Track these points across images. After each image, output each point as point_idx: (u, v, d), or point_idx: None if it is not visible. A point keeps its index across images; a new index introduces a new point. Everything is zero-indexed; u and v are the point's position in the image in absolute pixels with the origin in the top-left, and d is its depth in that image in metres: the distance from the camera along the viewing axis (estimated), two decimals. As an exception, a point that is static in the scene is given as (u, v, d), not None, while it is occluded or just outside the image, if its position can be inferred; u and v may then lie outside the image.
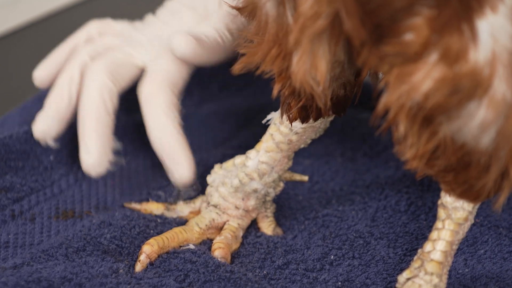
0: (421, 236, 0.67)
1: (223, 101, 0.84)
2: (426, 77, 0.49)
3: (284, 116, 0.63)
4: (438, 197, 0.62)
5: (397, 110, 0.52)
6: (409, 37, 0.49)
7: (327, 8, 0.49)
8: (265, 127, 0.66)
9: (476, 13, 0.48)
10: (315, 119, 0.63)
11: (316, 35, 0.51)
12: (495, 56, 0.49)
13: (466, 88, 0.49)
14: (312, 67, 0.53)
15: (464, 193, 0.58)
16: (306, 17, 0.50)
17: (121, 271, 0.61)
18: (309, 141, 0.65)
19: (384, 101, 0.52)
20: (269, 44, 0.55)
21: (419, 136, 0.53)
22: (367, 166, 0.75)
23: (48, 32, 0.96)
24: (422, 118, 0.52)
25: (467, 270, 0.64)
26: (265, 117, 0.81)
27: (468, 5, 0.48)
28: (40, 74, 0.74)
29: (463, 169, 0.56)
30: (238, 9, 0.58)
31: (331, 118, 0.64)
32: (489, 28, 0.49)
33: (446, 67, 0.49)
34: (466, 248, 0.66)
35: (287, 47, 0.54)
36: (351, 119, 0.78)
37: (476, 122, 0.51)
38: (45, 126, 0.70)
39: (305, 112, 0.62)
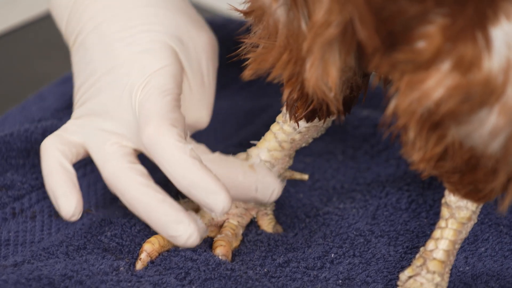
0: (422, 234, 0.67)
1: (224, 100, 0.84)
2: (438, 84, 0.49)
3: (290, 118, 0.63)
4: (439, 194, 0.62)
5: (408, 116, 0.52)
6: (421, 44, 0.49)
7: (338, 16, 0.49)
8: (266, 125, 0.66)
9: (491, 21, 0.48)
10: (322, 119, 0.63)
11: (327, 43, 0.51)
12: (510, 64, 0.49)
13: (479, 95, 0.49)
14: (324, 73, 0.53)
15: (469, 194, 0.59)
16: (318, 25, 0.50)
17: (121, 269, 0.61)
18: (310, 140, 0.66)
19: (393, 107, 0.52)
20: (279, 50, 0.55)
21: (427, 139, 0.53)
22: (368, 164, 0.75)
23: (48, 31, 0.96)
24: (431, 123, 0.52)
25: (467, 268, 0.64)
26: (265, 116, 0.81)
27: (482, 13, 0.48)
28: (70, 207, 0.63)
29: (469, 171, 0.56)
30: (244, 13, 0.58)
31: (333, 117, 0.64)
32: (504, 36, 0.48)
33: (459, 75, 0.49)
34: (466, 246, 0.66)
35: (298, 52, 0.54)
36: (352, 117, 0.78)
37: (487, 128, 0.51)
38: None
39: (313, 113, 0.62)
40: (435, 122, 0.52)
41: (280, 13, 0.54)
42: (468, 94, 0.49)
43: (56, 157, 0.62)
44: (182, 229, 0.60)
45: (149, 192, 0.61)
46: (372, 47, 0.50)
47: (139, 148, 0.63)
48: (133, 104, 0.63)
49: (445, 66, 0.49)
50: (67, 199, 0.62)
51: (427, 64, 0.49)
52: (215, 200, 0.59)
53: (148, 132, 0.60)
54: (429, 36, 0.49)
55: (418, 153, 0.55)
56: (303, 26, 0.53)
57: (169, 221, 0.60)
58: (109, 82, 0.64)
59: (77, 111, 0.66)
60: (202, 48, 0.68)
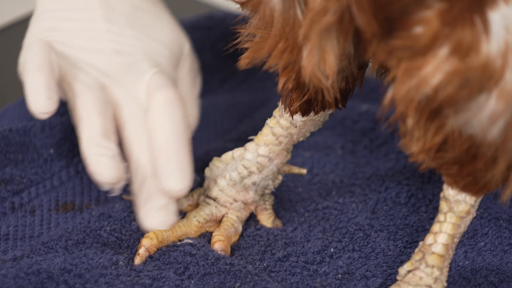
0: (422, 228, 0.67)
1: (223, 94, 0.84)
2: (436, 70, 0.49)
3: (285, 109, 0.63)
4: (439, 189, 0.62)
5: (406, 104, 0.51)
6: (419, 30, 0.49)
7: (335, 3, 0.49)
8: (265, 119, 0.66)
9: (489, 5, 0.48)
10: (317, 113, 0.63)
11: (324, 30, 0.51)
12: (508, 47, 0.49)
13: (477, 80, 0.49)
14: (321, 61, 0.53)
15: (467, 186, 0.58)
16: (315, 12, 0.50)
17: (121, 263, 0.61)
18: (308, 134, 0.65)
19: (391, 95, 0.52)
20: (275, 38, 0.55)
21: (426, 130, 0.53)
22: (367, 159, 0.75)
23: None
24: (429, 111, 0.52)
25: (467, 262, 0.64)
26: (265, 110, 0.81)
27: None
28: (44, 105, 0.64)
29: (468, 162, 0.56)
30: (240, 3, 0.58)
31: (330, 111, 0.64)
32: (502, 20, 0.48)
33: (457, 60, 0.49)
34: (466, 240, 0.66)
35: (294, 41, 0.54)
36: (351, 112, 0.78)
37: (486, 114, 0.51)
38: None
39: (307, 105, 0.62)
40: (433, 110, 0.52)
41: (276, 1, 0.54)
42: (467, 79, 0.49)
43: (48, 55, 0.63)
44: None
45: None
46: (370, 33, 0.50)
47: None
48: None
49: (443, 51, 0.49)
50: (43, 94, 0.63)
51: (425, 50, 0.49)
52: (173, 182, 0.62)
53: (167, 92, 0.64)
54: (427, 21, 0.49)
55: (417, 144, 0.54)
56: (299, 14, 0.53)
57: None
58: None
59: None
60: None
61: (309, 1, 0.50)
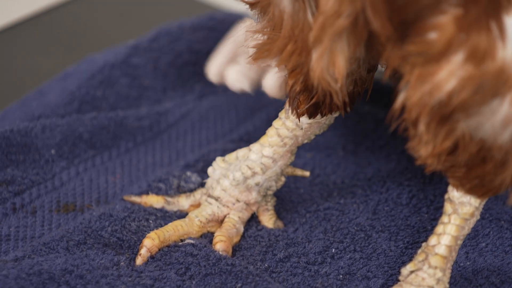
0: (423, 229, 0.67)
1: (224, 95, 0.84)
2: (450, 76, 0.49)
3: (292, 111, 0.63)
4: (440, 190, 0.62)
5: (419, 109, 0.51)
6: (433, 36, 0.49)
7: (349, 6, 0.49)
8: (266, 121, 0.66)
9: (505, 10, 0.48)
10: (325, 115, 0.63)
11: (337, 34, 0.51)
12: None
13: (492, 85, 0.49)
14: (330, 64, 0.52)
15: (473, 189, 0.58)
16: (327, 15, 0.50)
17: (122, 263, 0.61)
18: (312, 137, 0.65)
19: (403, 100, 0.52)
20: (284, 40, 0.55)
21: (436, 134, 0.53)
22: (369, 160, 0.75)
23: (49, 26, 0.96)
24: (440, 116, 0.52)
25: (468, 263, 0.64)
26: (266, 111, 0.81)
27: (496, 1, 0.48)
28: (214, 70, 0.74)
29: (477, 165, 0.55)
30: (250, 4, 0.58)
31: (336, 114, 0.64)
32: None
33: (472, 66, 0.49)
34: (467, 241, 0.66)
35: (304, 43, 0.54)
36: (353, 113, 0.78)
37: (499, 118, 0.51)
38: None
39: (315, 108, 0.62)
40: (445, 115, 0.52)
41: (286, 3, 0.54)
42: (481, 84, 0.49)
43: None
44: None
45: None
46: (385, 37, 0.50)
47: None
48: None
49: (458, 57, 0.49)
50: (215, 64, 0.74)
51: (438, 56, 0.49)
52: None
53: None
54: (442, 26, 0.48)
55: (425, 148, 0.54)
56: (309, 16, 0.53)
57: None
58: None
59: None
60: None
61: (321, 4, 0.50)
